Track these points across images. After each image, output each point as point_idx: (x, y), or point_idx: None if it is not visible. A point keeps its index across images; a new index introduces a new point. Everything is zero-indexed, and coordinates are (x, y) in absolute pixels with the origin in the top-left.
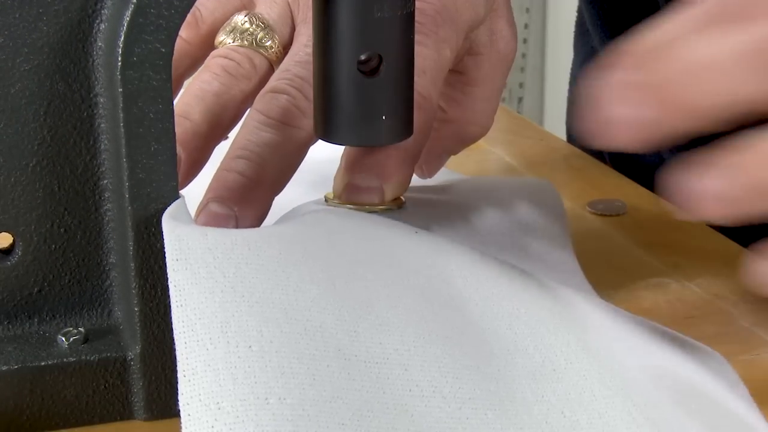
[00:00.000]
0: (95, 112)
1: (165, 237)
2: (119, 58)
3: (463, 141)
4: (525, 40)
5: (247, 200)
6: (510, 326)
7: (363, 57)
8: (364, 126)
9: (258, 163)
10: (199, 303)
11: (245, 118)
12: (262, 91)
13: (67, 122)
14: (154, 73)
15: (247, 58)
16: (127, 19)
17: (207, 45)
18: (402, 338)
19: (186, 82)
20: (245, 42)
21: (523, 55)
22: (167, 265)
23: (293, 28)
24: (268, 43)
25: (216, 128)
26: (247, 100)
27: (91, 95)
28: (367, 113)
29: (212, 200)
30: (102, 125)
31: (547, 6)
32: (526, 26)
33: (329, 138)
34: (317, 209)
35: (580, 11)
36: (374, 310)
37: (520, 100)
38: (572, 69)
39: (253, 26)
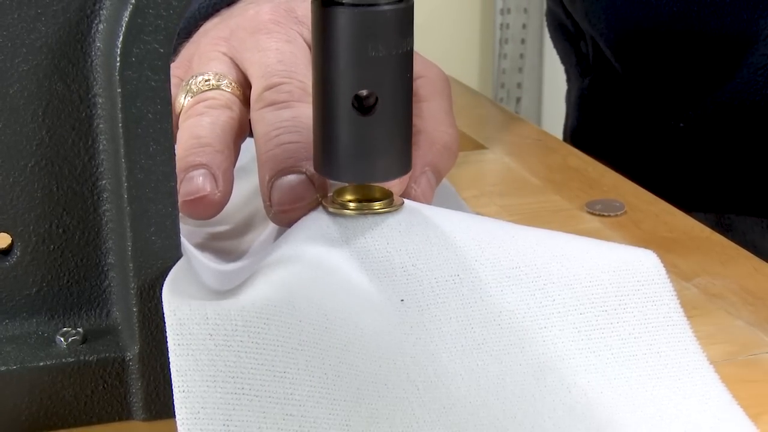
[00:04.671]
0: (94, 112)
1: (166, 318)
2: (118, 59)
3: (437, 147)
4: (523, 41)
5: (309, 158)
6: (497, 395)
7: (359, 94)
8: (360, 163)
9: (297, 131)
10: (202, 392)
11: (257, 124)
12: (255, 95)
13: (66, 123)
14: (153, 73)
15: (218, 93)
16: (126, 19)
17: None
18: (391, 429)
19: None
20: (204, 89)
21: (521, 56)
22: (169, 348)
23: (239, 69)
24: (225, 83)
25: (227, 149)
26: (238, 127)
27: (90, 96)
28: (363, 151)
29: (282, 173)
30: (100, 126)
31: (545, 6)
32: (524, 26)
33: (326, 174)
34: (316, 252)
35: (548, 6)
36: (364, 401)
37: (518, 100)
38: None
39: (206, 76)
